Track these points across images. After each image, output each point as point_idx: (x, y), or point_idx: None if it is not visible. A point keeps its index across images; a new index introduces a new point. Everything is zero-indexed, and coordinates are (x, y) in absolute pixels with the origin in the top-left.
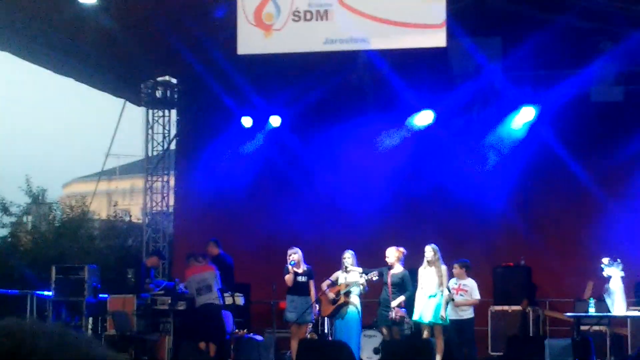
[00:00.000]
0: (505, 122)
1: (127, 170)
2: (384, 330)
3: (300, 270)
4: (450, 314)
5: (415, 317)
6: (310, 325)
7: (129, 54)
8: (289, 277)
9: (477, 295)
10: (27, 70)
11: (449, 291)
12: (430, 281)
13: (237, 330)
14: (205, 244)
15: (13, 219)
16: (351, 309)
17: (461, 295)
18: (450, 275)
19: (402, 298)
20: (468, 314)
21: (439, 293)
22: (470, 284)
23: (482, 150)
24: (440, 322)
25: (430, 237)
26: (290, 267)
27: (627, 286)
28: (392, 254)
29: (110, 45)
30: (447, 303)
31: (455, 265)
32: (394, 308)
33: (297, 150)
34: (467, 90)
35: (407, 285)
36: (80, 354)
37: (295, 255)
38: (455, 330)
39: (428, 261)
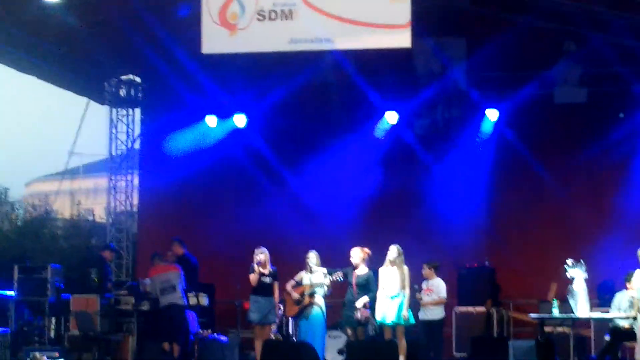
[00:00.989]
0: (469, 124)
1: (91, 169)
2: (349, 331)
3: (265, 271)
4: (421, 315)
5: (378, 317)
6: (274, 326)
7: (92, 52)
8: (253, 277)
9: (443, 294)
10: None
11: (419, 292)
12: (392, 282)
13: (201, 331)
14: (170, 244)
15: None
16: (316, 309)
17: (428, 295)
18: (416, 277)
19: (366, 298)
20: (437, 314)
21: (401, 294)
22: (437, 283)
23: (446, 151)
24: (403, 322)
25: (395, 238)
26: (255, 266)
27: (590, 287)
28: (357, 254)
29: (73, 44)
30: (409, 304)
31: (425, 266)
32: (359, 309)
33: (261, 149)
34: (431, 91)
35: (372, 286)
36: None
37: (262, 255)
38: (424, 331)
39: (390, 261)
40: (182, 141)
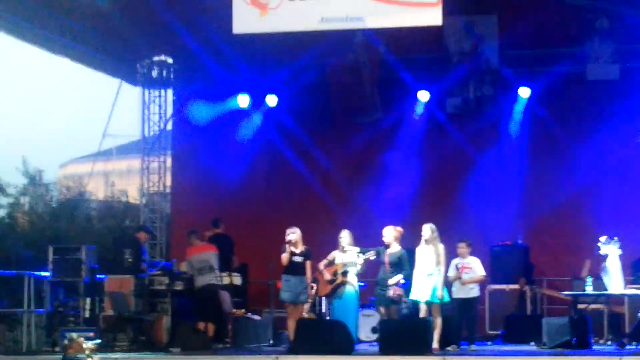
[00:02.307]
0: (501, 102)
1: (124, 150)
2: (382, 310)
3: (297, 250)
4: (457, 293)
5: (412, 296)
6: (306, 305)
7: (124, 33)
8: (285, 257)
9: (482, 271)
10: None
11: (457, 269)
12: (427, 260)
13: (234, 310)
14: (203, 223)
15: (10, 200)
16: (348, 288)
17: (466, 273)
18: (450, 255)
19: (399, 277)
20: (474, 292)
21: (436, 272)
22: (473, 261)
23: (479, 130)
24: (438, 301)
25: (428, 217)
26: (287, 246)
27: (624, 264)
28: (389, 233)
29: (105, 25)
30: (450, 282)
31: (462, 244)
32: (391, 287)
33: (293, 129)
34: (463, 70)
35: (405, 264)
36: None
37: (293, 235)
38: (460, 308)
39: (425, 240)
40: (214, 121)
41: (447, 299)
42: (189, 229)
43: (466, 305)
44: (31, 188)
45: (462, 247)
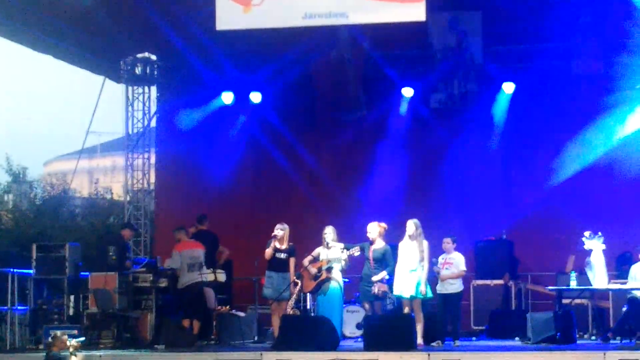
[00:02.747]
0: (485, 97)
1: (108, 147)
2: (366, 306)
3: (282, 247)
4: (439, 288)
5: (396, 292)
6: (290, 302)
7: (107, 30)
8: (268, 252)
9: (462, 267)
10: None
11: (436, 265)
12: (411, 256)
13: (219, 307)
14: (187, 221)
15: None
16: (333, 284)
17: (447, 268)
18: (435, 250)
19: (384, 273)
20: (455, 287)
21: (419, 268)
22: (456, 257)
23: (463, 126)
24: (421, 296)
25: (412, 212)
26: (272, 241)
27: (608, 259)
28: (374, 229)
29: (88, 22)
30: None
31: (448, 240)
32: (376, 283)
33: (278, 126)
34: (447, 66)
35: (389, 260)
36: None
37: (281, 231)
38: (442, 304)
39: (409, 235)
40: (198, 118)
41: (430, 294)
42: (173, 226)
43: (448, 300)
44: (15, 186)
45: (448, 243)
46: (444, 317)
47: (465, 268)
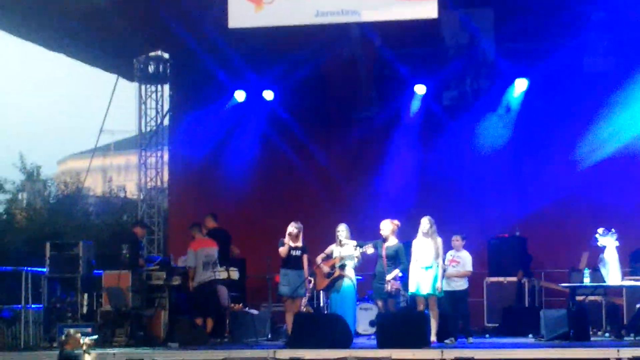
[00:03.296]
0: (498, 94)
1: (122, 146)
2: (380, 303)
3: (295, 245)
4: (444, 286)
5: (411, 289)
6: (304, 299)
7: (120, 29)
8: (283, 250)
9: (469, 267)
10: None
11: (444, 262)
12: (425, 253)
13: (232, 305)
14: (201, 219)
15: (8, 196)
16: (346, 282)
17: (453, 266)
18: (448, 247)
19: (396, 271)
20: (460, 285)
21: (434, 265)
22: (464, 255)
23: (475, 122)
24: (437, 294)
25: (425, 210)
26: (286, 238)
27: (622, 256)
28: (387, 226)
29: (101, 21)
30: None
31: (458, 237)
32: (389, 281)
33: (290, 124)
34: (459, 63)
35: (402, 257)
36: None
37: (296, 229)
38: (448, 302)
39: (423, 233)
40: (210, 116)
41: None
42: (186, 224)
43: (454, 298)
44: (29, 184)
45: (457, 240)
46: (453, 314)
47: (472, 268)
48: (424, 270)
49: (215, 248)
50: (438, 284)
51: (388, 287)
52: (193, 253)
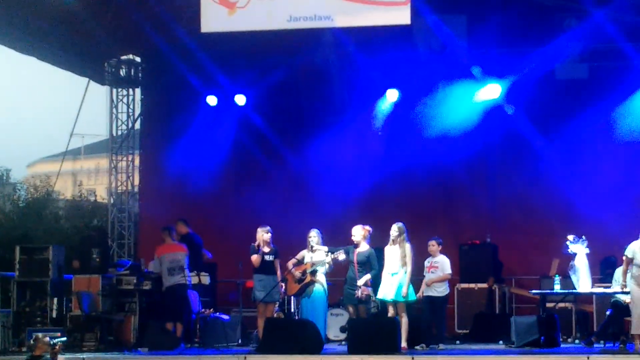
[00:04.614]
0: (470, 101)
1: (92, 149)
2: (351, 309)
3: (267, 250)
4: (425, 291)
5: (379, 295)
6: (276, 305)
7: (91, 32)
8: (256, 258)
9: (448, 270)
10: None
11: (425, 268)
12: (393, 259)
13: (203, 310)
14: (171, 224)
15: None
16: (317, 287)
17: (433, 272)
18: (418, 254)
19: (368, 276)
20: (442, 291)
21: (401, 271)
22: (442, 260)
23: (447, 129)
24: (402, 299)
25: (396, 216)
26: (256, 245)
27: (592, 263)
28: (358, 232)
29: (72, 24)
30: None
31: (433, 242)
32: (360, 287)
33: (262, 129)
34: (432, 69)
35: (373, 263)
36: None
37: (267, 234)
38: (428, 307)
39: (392, 239)
40: (182, 120)
41: (412, 297)
42: (157, 228)
43: (434, 304)
44: None
45: (432, 245)
46: (429, 320)
47: (451, 271)
48: (390, 276)
49: (181, 253)
50: (404, 290)
51: (358, 292)
52: (157, 259)
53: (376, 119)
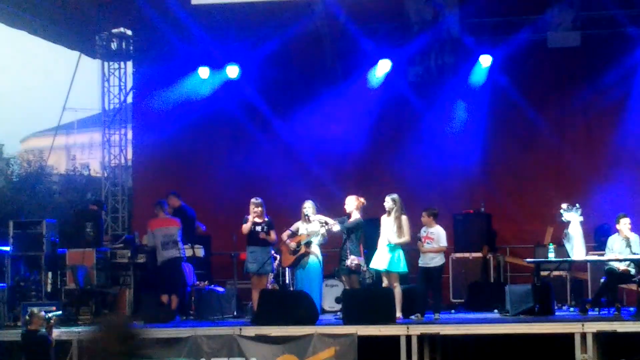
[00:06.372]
0: (462, 70)
1: (85, 123)
2: (344, 279)
3: (260, 221)
4: (420, 261)
5: (372, 265)
6: (271, 276)
7: (82, 5)
8: (245, 227)
9: (443, 242)
10: None
11: (420, 240)
12: (386, 230)
13: (197, 282)
14: (166, 197)
15: None
16: (312, 259)
17: (428, 243)
18: (413, 225)
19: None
20: (436, 261)
21: (394, 242)
22: (437, 231)
23: (439, 99)
24: (394, 270)
25: (390, 186)
26: (249, 217)
27: (586, 231)
28: (351, 202)
29: None
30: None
31: (424, 213)
32: (349, 257)
33: (254, 100)
34: (424, 39)
35: (358, 232)
36: None
37: (258, 207)
38: (423, 277)
39: (387, 211)
40: (174, 93)
41: (405, 269)
42: (151, 201)
43: (430, 274)
44: None
45: (424, 217)
46: (425, 290)
47: (446, 244)
48: (385, 247)
49: (174, 227)
50: (395, 260)
51: (348, 262)
52: (150, 233)
53: (368, 90)
